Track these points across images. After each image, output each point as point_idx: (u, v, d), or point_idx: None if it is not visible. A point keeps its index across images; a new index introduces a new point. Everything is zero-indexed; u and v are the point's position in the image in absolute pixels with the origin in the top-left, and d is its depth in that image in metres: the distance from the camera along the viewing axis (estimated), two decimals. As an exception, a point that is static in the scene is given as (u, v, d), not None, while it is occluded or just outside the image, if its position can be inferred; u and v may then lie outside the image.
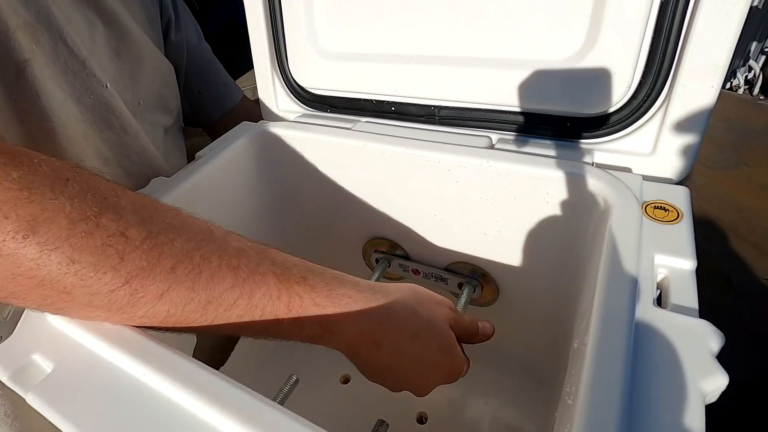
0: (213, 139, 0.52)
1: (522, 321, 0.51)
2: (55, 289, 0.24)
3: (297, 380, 0.47)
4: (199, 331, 0.29)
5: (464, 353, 0.36)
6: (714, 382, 0.23)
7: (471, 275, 0.51)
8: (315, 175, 0.52)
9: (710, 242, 0.74)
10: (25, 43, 0.39)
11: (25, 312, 0.32)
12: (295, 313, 0.28)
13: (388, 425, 0.42)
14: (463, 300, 0.49)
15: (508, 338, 0.54)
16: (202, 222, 0.28)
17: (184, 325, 0.27)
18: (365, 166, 0.48)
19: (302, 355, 0.60)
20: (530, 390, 0.53)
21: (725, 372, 0.23)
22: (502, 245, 0.46)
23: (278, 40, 0.53)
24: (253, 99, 0.76)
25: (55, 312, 0.27)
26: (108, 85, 0.47)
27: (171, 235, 0.25)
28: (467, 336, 0.36)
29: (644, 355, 0.25)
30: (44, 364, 0.29)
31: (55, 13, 0.41)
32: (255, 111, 0.70)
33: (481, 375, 0.56)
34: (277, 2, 0.50)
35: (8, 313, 0.33)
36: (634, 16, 0.36)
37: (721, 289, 0.67)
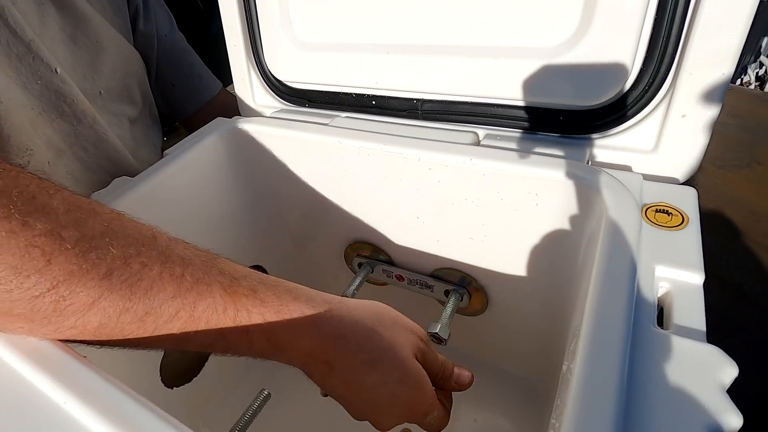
0: None
1: (513, 333, 0.47)
2: None
3: (269, 395, 0.44)
4: (137, 345, 0.26)
5: (442, 400, 0.32)
6: (725, 424, 0.19)
7: (459, 283, 0.47)
8: (291, 175, 0.49)
9: (720, 247, 0.70)
10: None
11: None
12: (242, 327, 0.26)
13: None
14: (449, 309, 0.45)
15: (499, 351, 0.51)
16: (146, 227, 0.26)
17: (119, 337, 0.25)
18: (342, 165, 0.45)
19: (281, 366, 0.57)
20: (522, 407, 0.49)
21: (738, 411, 0.19)
22: (489, 251, 0.42)
23: (253, 30, 0.49)
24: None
25: None
26: (57, 69, 0.43)
27: (108, 239, 0.23)
28: (435, 376, 0.32)
29: (641, 388, 0.21)
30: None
31: None
32: (234, 104, 0.67)
33: (469, 389, 0.52)
34: (250, -11, 0.47)
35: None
36: (633, -4, 0.32)
37: (733, 298, 0.62)
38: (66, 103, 0.46)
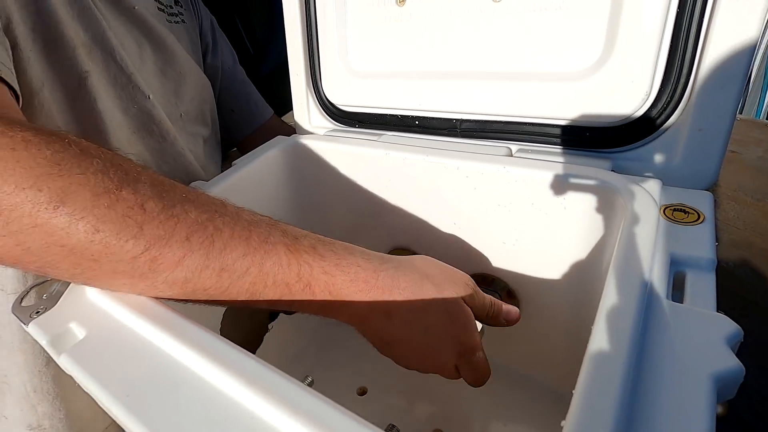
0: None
1: (544, 339, 0.49)
2: (84, 257, 0.26)
3: (312, 381, 0.48)
4: (217, 301, 0.30)
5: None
6: (727, 372, 0.21)
7: (492, 288, 0.50)
8: (340, 185, 0.55)
9: (757, 275, 0.69)
10: (85, 58, 0.46)
11: (68, 288, 0.35)
12: (305, 281, 0.29)
13: (399, 430, 0.41)
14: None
15: (531, 357, 0.52)
16: (216, 198, 0.30)
17: (201, 292, 0.29)
18: (387, 175, 0.50)
19: (322, 365, 0.61)
20: (554, 413, 0.50)
21: (740, 363, 0.22)
22: (521, 255, 0.46)
23: (313, 62, 0.57)
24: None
25: (86, 282, 0.30)
26: (150, 96, 0.52)
27: (186, 207, 0.28)
28: (486, 316, 0.35)
29: (653, 347, 0.24)
30: (78, 332, 0.32)
31: (108, 35, 0.48)
32: (283, 128, 0.76)
33: (501, 395, 0.54)
34: (314, 27, 0.55)
35: (54, 289, 0.36)
36: (649, 27, 0.37)
37: (771, 324, 0.61)
38: (155, 124, 0.55)
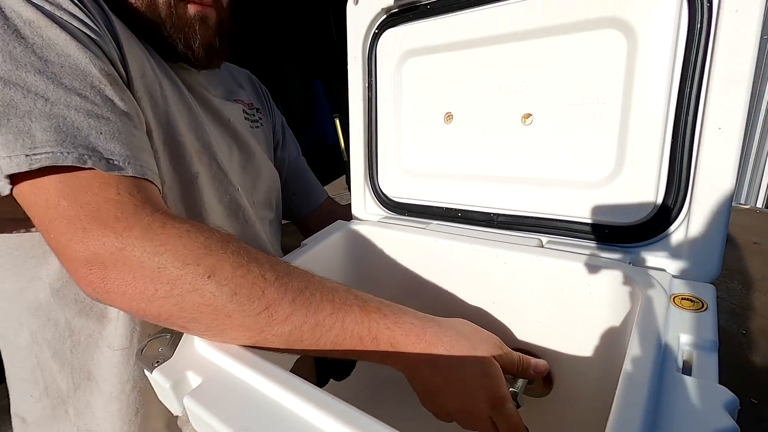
0: (302, 231, 0.67)
1: (577, 416, 0.53)
2: (222, 313, 0.36)
3: None
4: (307, 350, 0.38)
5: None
6: (725, 431, 0.27)
7: (526, 363, 0.56)
8: (391, 265, 0.64)
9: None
10: (196, 161, 0.58)
11: (182, 340, 0.44)
12: (373, 334, 0.38)
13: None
14: (518, 386, 0.53)
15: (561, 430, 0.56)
16: (306, 271, 0.41)
17: (299, 342, 0.38)
18: (434, 259, 0.59)
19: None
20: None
21: (736, 424, 0.28)
22: (553, 332, 0.52)
23: (371, 161, 0.69)
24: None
25: (215, 334, 0.39)
26: (239, 188, 0.65)
27: (290, 277, 0.38)
28: (517, 369, 0.42)
29: (665, 410, 0.30)
30: (193, 380, 0.39)
31: (212, 142, 0.61)
32: (336, 209, 0.88)
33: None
34: (374, 134, 0.68)
35: (169, 341, 0.45)
36: (651, 150, 0.46)
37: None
38: (241, 210, 0.66)
